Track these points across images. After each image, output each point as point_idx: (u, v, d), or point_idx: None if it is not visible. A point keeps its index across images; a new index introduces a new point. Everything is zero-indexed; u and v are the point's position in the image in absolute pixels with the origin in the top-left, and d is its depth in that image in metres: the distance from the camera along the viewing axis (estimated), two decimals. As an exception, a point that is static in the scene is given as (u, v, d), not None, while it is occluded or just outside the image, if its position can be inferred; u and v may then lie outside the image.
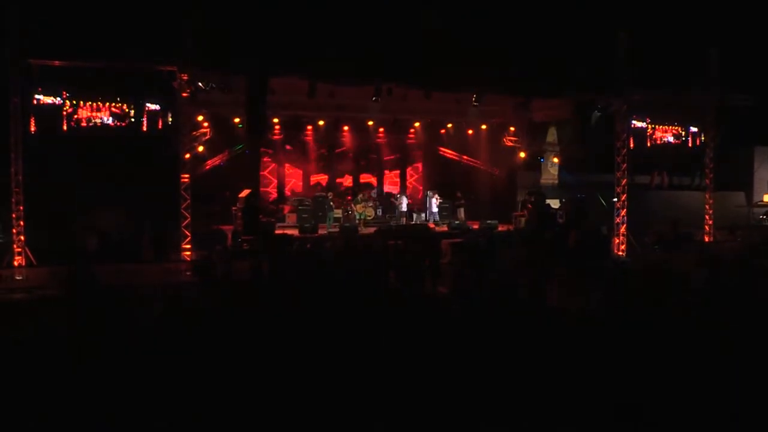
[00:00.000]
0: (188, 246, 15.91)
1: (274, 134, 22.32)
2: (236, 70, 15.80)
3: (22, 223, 14.90)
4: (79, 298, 11.50)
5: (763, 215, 25.15)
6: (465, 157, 24.54)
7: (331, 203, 20.95)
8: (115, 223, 17.09)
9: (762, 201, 26.13)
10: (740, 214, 26.06)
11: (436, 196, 22.66)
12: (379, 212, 22.41)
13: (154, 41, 15.16)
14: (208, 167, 20.81)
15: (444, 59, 16.45)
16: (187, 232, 15.91)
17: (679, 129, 21.05)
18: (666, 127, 20.97)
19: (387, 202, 23.32)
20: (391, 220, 21.96)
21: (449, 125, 23.50)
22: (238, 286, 12.95)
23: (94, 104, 15.03)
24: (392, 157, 24.85)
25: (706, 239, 20.66)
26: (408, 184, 25.27)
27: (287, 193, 23.52)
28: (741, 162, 28.62)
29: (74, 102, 14.92)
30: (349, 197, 22.18)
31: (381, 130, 23.41)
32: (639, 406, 6.55)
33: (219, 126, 20.00)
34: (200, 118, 19.07)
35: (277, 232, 19.26)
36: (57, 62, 14.71)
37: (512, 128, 22.97)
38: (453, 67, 16.54)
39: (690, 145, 21.29)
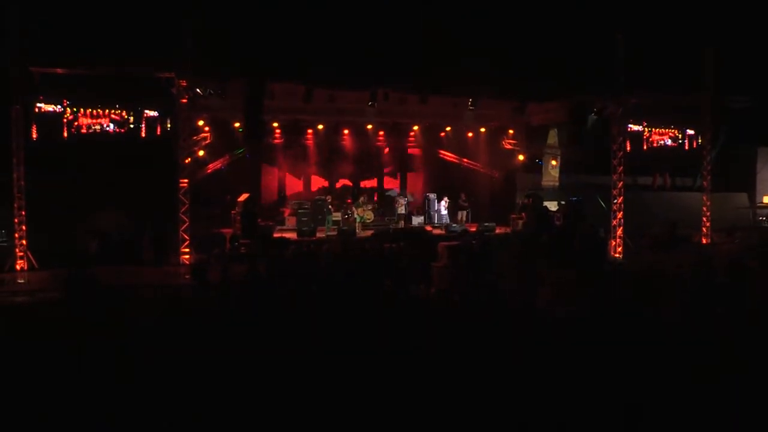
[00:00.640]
0: (187, 249, 16.14)
1: (275, 138, 22.56)
2: (233, 77, 16.02)
3: (24, 227, 15.21)
4: (77, 300, 11.79)
5: (763, 217, 25.14)
6: (465, 160, 24.70)
7: (330, 206, 21.12)
8: (116, 226, 17.36)
9: (762, 203, 26.11)
10: (742, 216, 26.07)
11: (446, 199, 22.77)
12: (379, 215, 22.57)
13: (152, 49, 15.45)
14: (209, 171, 21.10)
15: (438, 64, 16.62)
16: (185, 236, 16.15)
17: (676, 132, 21.09)
18: (663, 129, 21.03)
19: (387, 205, 23.48)
20: (390, 223, 22.12)
21: (448, 128, 23.65)
22: (233, 289, 13.20)
23: (94, 111, 15.33)
24: (392, 160, 25.02)
25: (704, 241, 20.68)
26: (408, 187, 25.44)
27: (288, 196, 23.74)
28: (744, 163, 28.63)
29: (74, 110, 15.23)
30: (349, 200, 22.37)
31: (381, 133, 23.61)
32: (600, 407, 6.71)
33: (219, 130, 20.24)
34: (201, 122, 19.30)
35: (276, 235, 19.50)
36: (59, 70, 15.01)
37: (511, 131, 23.13)
38: (447, 72, 16.70)
39: (687, 147, 21.33)
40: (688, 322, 9.27)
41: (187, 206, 16.16)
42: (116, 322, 11.36)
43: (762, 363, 7.58)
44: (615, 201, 19.70)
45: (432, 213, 23.34)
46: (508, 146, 23.24)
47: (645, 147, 20.99)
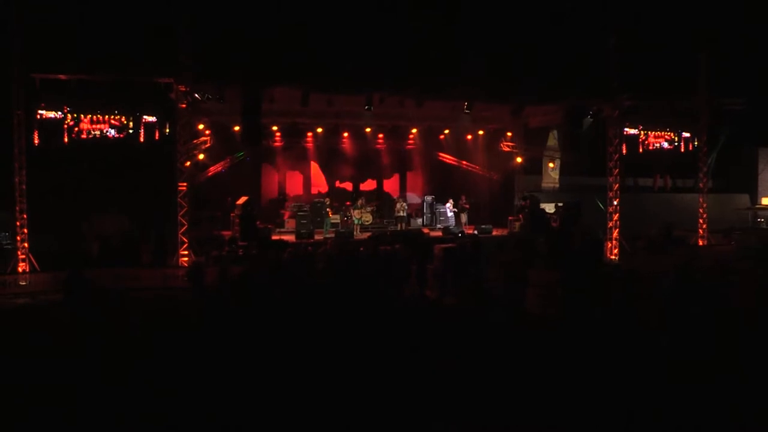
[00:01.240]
0: (186, 252, 16.44)
1: (275, 141, 22.82)
2: (231, 82, 16.31)
3: (25, 230, 15.56)
4: (74, 302, 12.10)
5: (762, 218, 25.14)
6: (464, 162, 24.87)
7: (328, 209, 21.33)
8: (116, 229, 17.69)
9: (760, 204, 26.11)
10: (742, 217, 26.09)
11: (451, 201, 22.92)
12: (378, 217, 22.77)
13: (152, 55, 15.80)
14: (210, 174, 21.41)
15: (432, 68, 16.82)
16: (184, 239, 16.44)
17: (672, 134, 21.19)
18: (658, 132, 21.13)
19: (387, 207, 23.67)
20: (389, 225, 22.30)
21: (446, 131, 23.82)
22: (227, 291, 13.46)
23: (94, 117, 15.65)
24: (392, 162, 25.21)
25: (700, 242, 20.75)
26: (407, 189, 25.63)
27: (288, 198, 24.00)
28: (746, 164, 28.63)
29: (75, 116, 15.54)
30: (348, 203, 22.59)
31: (380, 136, 23.80)
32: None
33: (220, 134, 20.45)
34: (201, 126, 19.52)
35: (275, 237, 19.75)
36: (60, 76, 15.32)
37: (509, 133, 23.27)
38: (442, 76, 16.90)
39: (682, 150, 21.40)
40: (663, 322, 9.44)
41: (185, 209, 16.46)
42: (111, 323, 11.71)
43: (723, 363, 7.76)
44: (612, 203, 19.81)
45: (431, 215, 23.48)
46: (506, 149, 23.38)
47: (641, 150, 21.04)
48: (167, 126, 16.45)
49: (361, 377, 7.97)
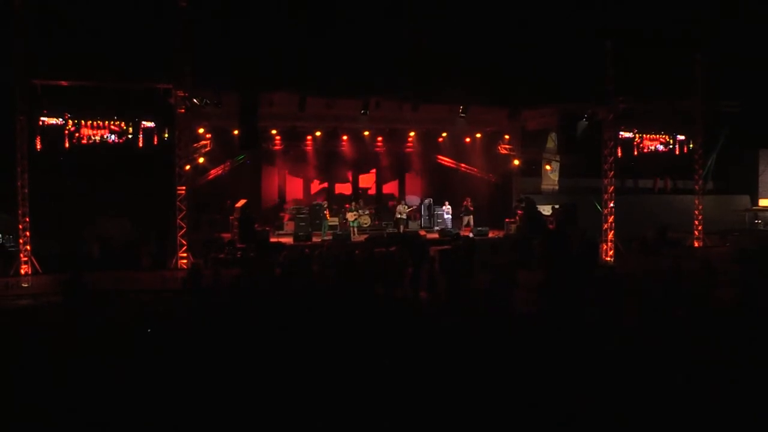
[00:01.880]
0: (184, 254, 16.71)
1: (275, 144, 23.09)
2: (228, 88, 16.59)
3: (28, 233, 15.85)
4: (73, 304, 12.40)
5: (759, 220, 25.21)
6: (462, 165, 25.06)
7: (325, 212, 21.56)
8: (116, 232, 18.00)
9: (757, 205, 26.18)
10: (741, 218, 26.17)
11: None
12: (376, 220, 22.99)
13: (150, 61, 16.09)
14: (210, 177, 21.72)
15: (428, 72, 17.03)
16: (183, 241, 16.71)
17: (667, 137, 21.33)
18: (653, 135, 21.27)
19: (385, 209, 23.89)
20: (387, 227, 22.51)
21: (444, 134, 24.01)
22: (223, 293, 13.74)
23: (95, 123, 15.98)
24: (391, 165, 25.43)
25: (696, 244, 20.85)
26: (407, 192, 25.85)
27: (287, 201, 24.27)
28: (746, 165, 28.69)
29: (76, 121, 15.88)
30: (347, 205, 22.81)
31: (379, 139, 24.02)
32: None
33: (220, 137, 20.71)
34: (201, 130, 19.80)
35: (274, 239, 20.02)
36: (61, 82, 15.64)
37: (507, 136, 23.43)
38: (437, 80, 17.11)
39: (677, 152, 21.53)
40: (642, 323, 9.63)
41: (184, 212, 16.72)
42: (109, 324, 12.01)
43: (698, 363, 7.94)
44: (607, 205, 19.95)
45: (429, 218, 23.67)
46: (504, 151, 23.55)
47: (636, 153, 21.20)
48: (166, 131, 16.75)
49: (354, 377, 8.16)
